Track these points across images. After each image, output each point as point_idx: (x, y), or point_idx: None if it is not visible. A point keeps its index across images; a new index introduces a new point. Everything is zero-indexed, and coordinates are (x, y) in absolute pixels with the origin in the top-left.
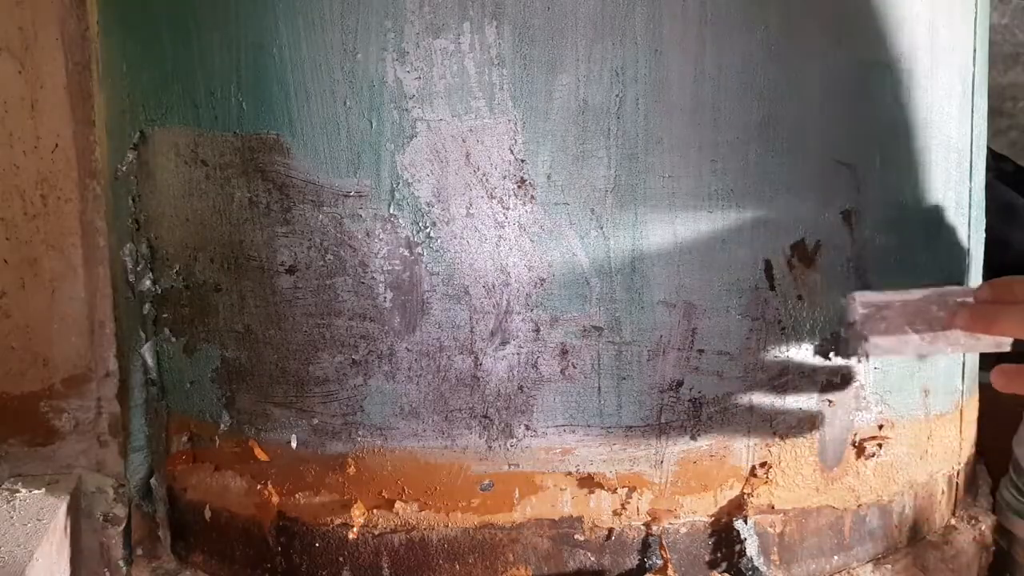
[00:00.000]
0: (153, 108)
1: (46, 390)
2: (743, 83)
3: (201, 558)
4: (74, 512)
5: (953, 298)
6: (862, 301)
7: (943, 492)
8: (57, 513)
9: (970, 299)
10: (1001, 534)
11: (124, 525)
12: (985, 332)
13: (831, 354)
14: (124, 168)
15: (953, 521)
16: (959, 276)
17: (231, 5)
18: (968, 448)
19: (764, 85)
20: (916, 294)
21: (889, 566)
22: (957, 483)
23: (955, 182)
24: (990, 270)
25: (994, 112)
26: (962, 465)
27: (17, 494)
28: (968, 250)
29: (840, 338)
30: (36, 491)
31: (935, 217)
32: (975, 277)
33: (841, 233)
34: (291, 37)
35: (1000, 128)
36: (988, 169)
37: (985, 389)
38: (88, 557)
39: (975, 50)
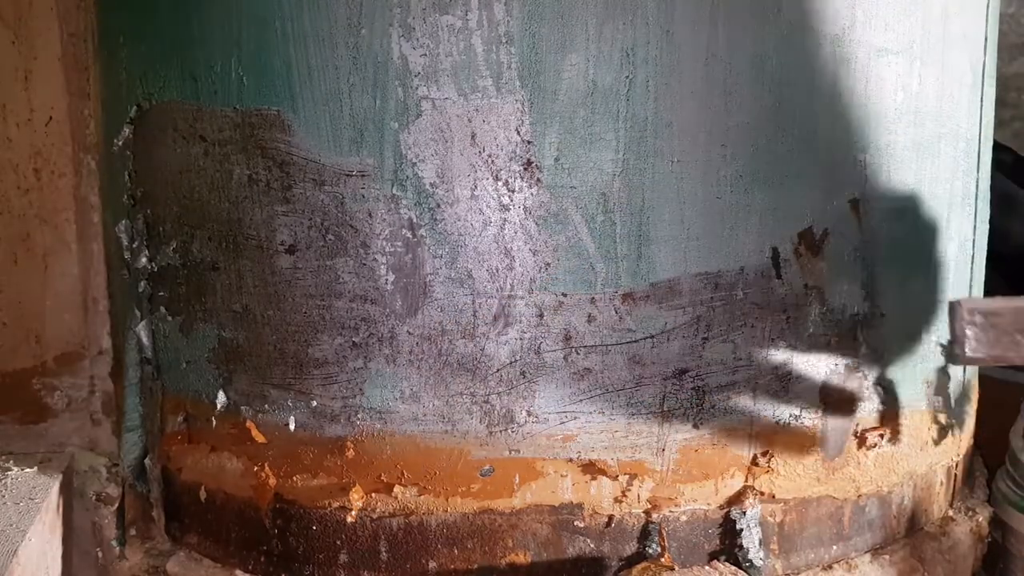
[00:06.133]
0: (151, 82)
1: (38, 367)
2: (755, 67)
3: (195, 539)
4: (67, 491)
5: None
6: (968, 308)
7: (942, 483)
8: (50, 492)
9: None
10: (996, 526)
11: (117, 505)
12: None
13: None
14: (120, 143)
15: (951, 512)
16: (965, 266)
17: None
18: (967, 440)
19: (776, 69)
20: None
21: (887, 556)
22: (955, 475)
23: (963, 172)
24: (989, 261)
25: (998, 102)
26: (961, 457)
27: (9, 472)
28: (974, 240)
29: (945, 345)
30: (28, 469)
31: (943, 207)
32: (979, 267)
33: (849, 222)
34: (294, 10)
35: (1004, 119)
36: None
37: (985, 381)
38: (80, 537)
39: (986, 38)
